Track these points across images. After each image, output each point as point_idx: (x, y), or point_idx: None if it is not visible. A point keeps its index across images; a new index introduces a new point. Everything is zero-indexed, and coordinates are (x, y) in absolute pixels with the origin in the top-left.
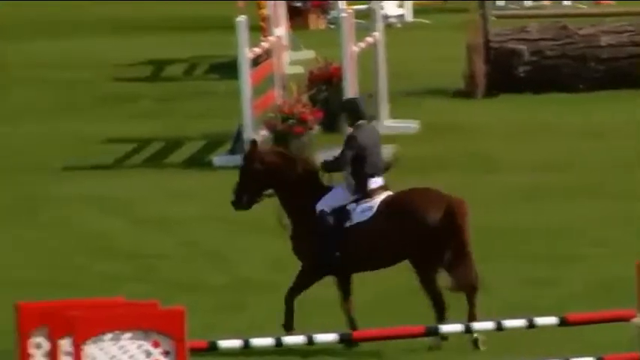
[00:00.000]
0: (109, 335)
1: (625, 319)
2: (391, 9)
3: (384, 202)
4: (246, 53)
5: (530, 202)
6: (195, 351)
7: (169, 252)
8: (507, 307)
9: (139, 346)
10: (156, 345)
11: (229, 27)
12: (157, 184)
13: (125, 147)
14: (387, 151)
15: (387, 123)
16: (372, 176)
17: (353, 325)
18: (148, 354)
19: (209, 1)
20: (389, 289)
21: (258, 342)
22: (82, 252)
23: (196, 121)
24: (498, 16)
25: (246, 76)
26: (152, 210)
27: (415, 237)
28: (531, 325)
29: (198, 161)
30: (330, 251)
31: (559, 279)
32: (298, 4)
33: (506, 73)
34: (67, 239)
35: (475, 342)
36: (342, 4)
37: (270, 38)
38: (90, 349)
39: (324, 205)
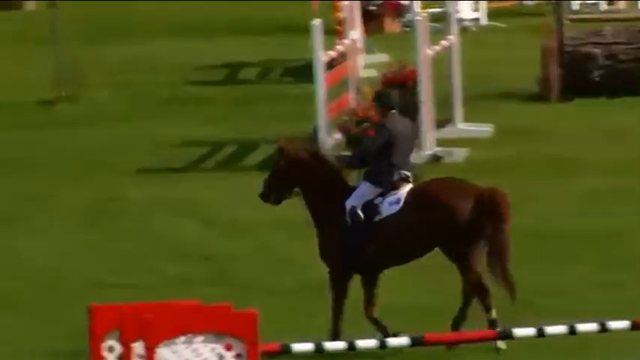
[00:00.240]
0: (182, 338)
1: None
2: (466, 12)
3: (411, 194)
4: (321, 56)
5: (605, 206)
6: (267, 354)
7: (242, 255)
8: (580, 311)
9: (212, 349)
10: (228, 348)
11: (304, 30)
12: (230, 187)
13: (199, 150)
14: (460, 154)
15: (462, 126)
16: (399, 168)
17: (382, 328)
18: (221, 357)
19: (283, 4)
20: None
21: (330, 345)
22: (155, 255)
23: (270, 124)
24: (573, 20)
25: (321, 80)
26: (225, 213)
27: (445, 228)
28: (604, 329)
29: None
30: (361, 247)
31: (632, 282)
32: (373, 8)
33: (580, 76)
34: (141, 242)
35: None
36: (417, 8)
37: (345, 41)
38: (163, 352)
39: (354, 201)
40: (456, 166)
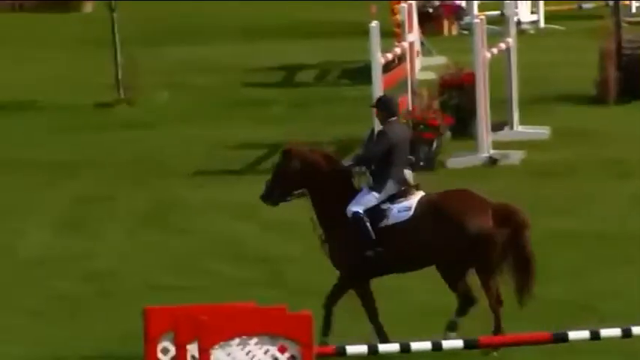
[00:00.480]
0: (237, 340)
1: None
2: (524, 15)
3: (423, 204)
4: (379, 58)
5: None
6: (322, 356)
7: (298, 257)
8: (637, 312)
9: (266, 351)
10: (283, 350)
11: (361, 32)
12: None
13: (256, 152)
14: (517, 156)
15: (518, 129)
16: (400, 173)
17: (380, 331)
18: (275, 359)
19: (341, 7)
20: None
21: (385, 347)
22: (212, 256)
23: (327, 126)
24: (631, 22)
25: (378, 82)
26: (281, 215)
27: (455, 242)
28: None
29: None
30: (366, 252)
31: None
32: (430, 10)
33: (638, 79)
34: (198, 244)
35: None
36: (474, 10)
37: (403, 44)
38: (217, 353)
39: (355, 207)
40: (512, 168)
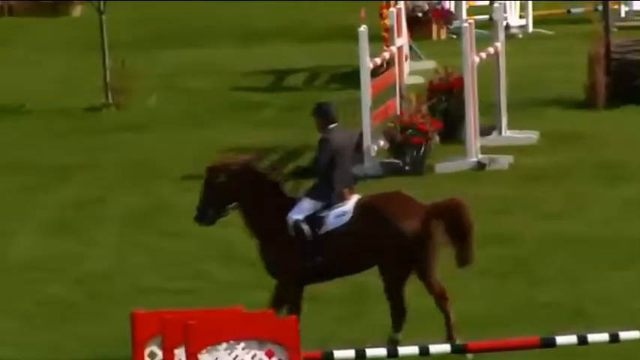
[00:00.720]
0: (224, 345)
1: None
2: (513, 19)
3: (359, 207)
4: (367, 63)
5: None
6: None
7: None
8: (627, 319)
9: (253, 356)
10: (270, 354)
11: (350, 36)
12: None
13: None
14: (505, 161)
15: (507, 133)
16: (344, 180)
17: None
18: None
19: (330, 12)
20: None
21: (372, 352)
22: (203, 260)
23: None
24: (620, 27)
25: (367, 86)
26: None
27: (389, 244)
28: None
29: None
30: (308, 259)
31: None
32: (419, 14)
33: (627, 83)
34: (189, 247)
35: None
36: (463, 15)
37: (391, 48)
38: (204, 358)
39: (297, 214)
40: (501, 173)
